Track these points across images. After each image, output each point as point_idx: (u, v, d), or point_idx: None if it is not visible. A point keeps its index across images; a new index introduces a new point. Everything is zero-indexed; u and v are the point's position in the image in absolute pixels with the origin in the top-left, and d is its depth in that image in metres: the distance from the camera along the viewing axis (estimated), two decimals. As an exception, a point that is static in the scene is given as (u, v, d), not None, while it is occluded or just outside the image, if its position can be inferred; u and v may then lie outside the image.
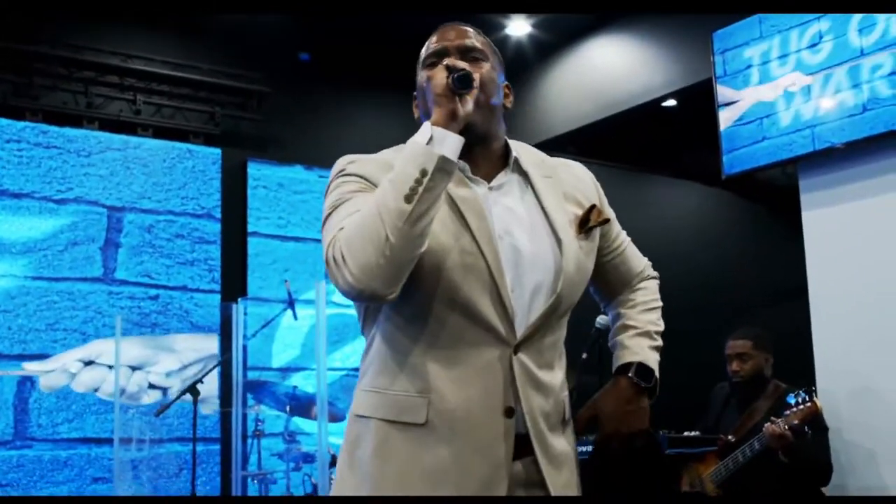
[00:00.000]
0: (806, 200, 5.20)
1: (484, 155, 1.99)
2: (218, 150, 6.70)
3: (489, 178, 1.97)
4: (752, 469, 4.43)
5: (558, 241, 1.93)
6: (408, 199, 1.71)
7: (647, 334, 2.13)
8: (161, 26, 6.71)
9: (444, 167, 1.74)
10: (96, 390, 6.08)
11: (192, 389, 5.44)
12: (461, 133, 1.80)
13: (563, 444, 1.96)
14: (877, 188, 4.86)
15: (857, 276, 4.93)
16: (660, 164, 8.60)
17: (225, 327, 6.18)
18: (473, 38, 2.02)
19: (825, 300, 5.09)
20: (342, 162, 1.95)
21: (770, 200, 8.75)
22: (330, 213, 1.86)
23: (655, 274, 2.30)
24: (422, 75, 1.99)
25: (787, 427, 4.24)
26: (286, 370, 6.69)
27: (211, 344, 6.44)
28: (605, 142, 7.90)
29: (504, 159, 2.03)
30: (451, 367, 1.84)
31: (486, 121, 1.98)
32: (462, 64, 1.85)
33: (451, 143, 1.77)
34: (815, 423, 4.39)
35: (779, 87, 5.16)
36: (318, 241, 6.81)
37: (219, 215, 6.63)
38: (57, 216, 6.16)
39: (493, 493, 1.82)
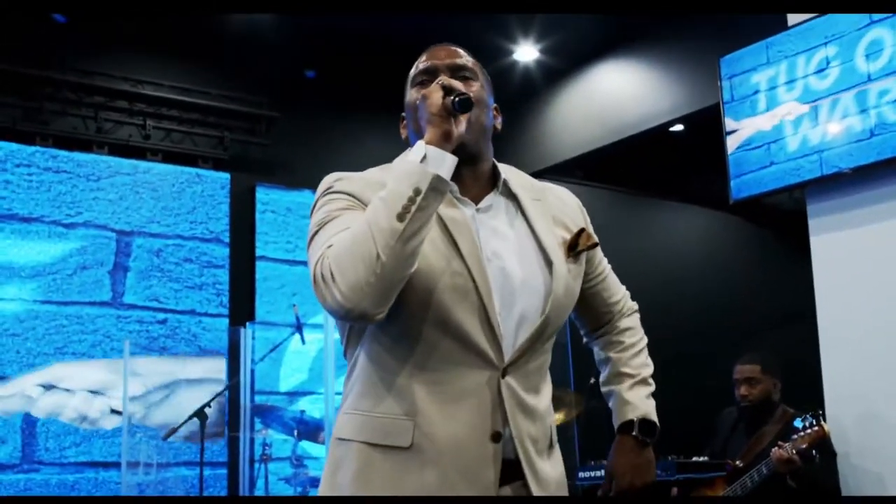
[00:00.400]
0: (814, 225, 5.19)
1: (473, 176, 1.96)
2: (227, 175, 6.73)
3: (477, 200, 1.95)
4: (760, 494, 4.42)
5: (549, 263, 1.91)
6: (400, 217, 1.67)
7: (644, 382, 2.15)
8: (170, 52, 6.77)
9: (437, 187, 1.71)
10: (58, 415, 6.06)
11: (200, 414, 5.44)
12: (452, 153, 1.78)
13: (550, 468, 1.94)
14: (885, 213, 4.86)
15: (866, 301, 4.92)
16: (667, 189, 8.61)
17: (233, 351, 6.19)
18: (464, 57, 2.02)
19: (833, 325, 5.08)
20: (329, 180, 1.92)
21: (778, 225, 8.75)
22: (317, 231, 1.83)
23: (635, 306, 2.27)
24: (412, 94, 1.99)
25: (794, 451, 4.24)
26: (294, 394, 6.69)
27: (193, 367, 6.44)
28: (612, 167, 7.92)
29: (492, 181, 2.00)
30: (439, 389, 1.81)
31: (477, 141, 1.96)
32: (458, 84, 1.84)
33: (445, 163, 1.74)
34: (823, 447, 4.37)
35: (776, 116, 5.19)
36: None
37: (227, 239, 6.65)
38: (66, 240, 6.18)
39: None
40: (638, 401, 2.11)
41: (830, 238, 5.09)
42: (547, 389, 1.98)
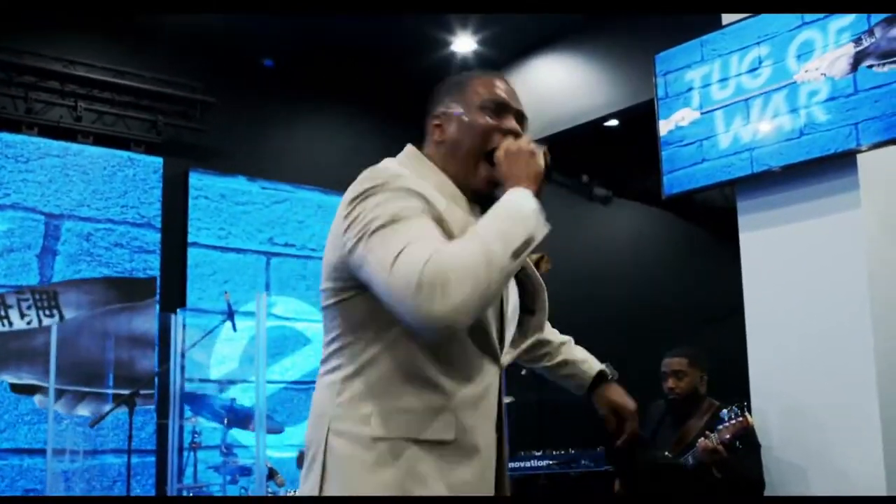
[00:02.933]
0: (743, 222, 5.28)
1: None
2: (159, 160, 6.65)
3: None
4: (687, 485, 4.48)
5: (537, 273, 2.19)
6: (515, 255, 1.78)
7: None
8: (104, 32, 6.66)
9: (539, 240, 1.86)
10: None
11: (129, 400, 5.37)
12: (495, 189, 2.00)
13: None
14: (812, 211, 4.95)
15: (792, 297, 5.02)
16: (601, 183, 8.67)
17: (163, 338, 6.12)
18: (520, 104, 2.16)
19: (760, 320, 5.17)
20: (383, 174, 1.91)
21: (709, 222, 8.88)
22: (395, 222, 1.80)
23: None
24: (485, 119, 2.07)
25: (719, 442, 4.32)
26: (225, 382, 6.63)
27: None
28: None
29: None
30: (467, 385, 1.92)
31: None
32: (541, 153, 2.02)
33: (546, 228, 1.88)
34: (747, 438, 4.46)
35: (671, 122, 5.31)
36: (259, 252, 6.81)
37: (159, 225, 6.57)
38: (-7, 222, 6.07)
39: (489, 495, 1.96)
40: (590, 357, 2.42)
41: (759, 235, 5.18)
42: None
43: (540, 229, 1.84)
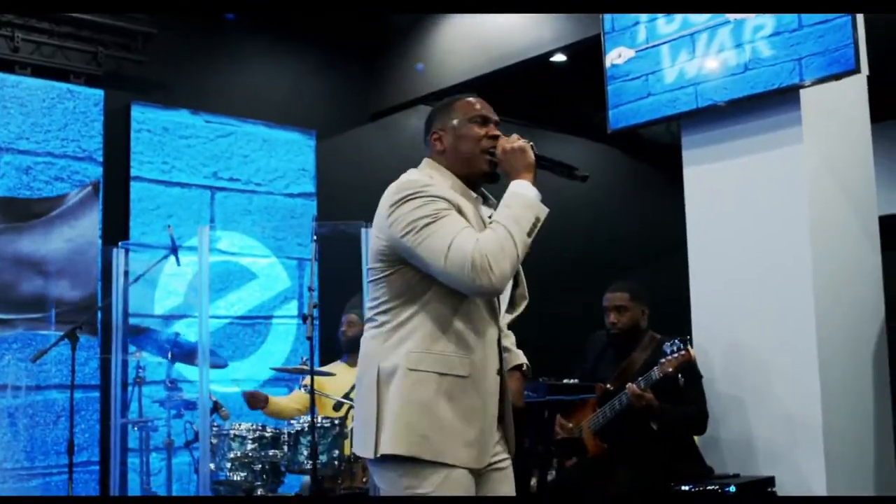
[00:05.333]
0: (687, 157, 5.31)
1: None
2: (100, 92, 6.50)
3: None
4: (629, 417, 4.55)
5: None
6: (529, 234, 2.60)
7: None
8: (41, -39, 6.47)
9: (544, 220, 2.65)
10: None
11: (71, 335, 5.32)
12: (491, 181, 2.85)
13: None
14: (755, 146, 4.99)
15: (735, 232, 5.07)
16: (549, 119, 8.68)
17: (106, 272, 6.05)
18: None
19: (703, 255, 5.23)
20: (417, 184, 2.65)
21: (655, 159, 8.93)
22: (437, 220, 2.56)
23: None
24: (475, 129, 2.81)
25: (661, 375, 4.39)
26: (169, 317, 6.58)
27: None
28: (494, 95, 7.88)
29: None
30: (479, 337, 2.67)
31: None
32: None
33: (546, 209, 2.67)
34: (689, 371, 4.53)
35: (609, 60, 5.34)
36: (204, 186, 6.73)
37: (101, 158, 6.45)
38: (-72, 155, 5.93)
39: (494, 428, 2.70)
40: (521, 355, 3.10)
41: (703, 170, 5.22)
42: None
43: (543, 211, 2.64)
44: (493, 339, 2.72)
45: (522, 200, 2.62)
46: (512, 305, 2.89)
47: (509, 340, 3.04)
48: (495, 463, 2.75)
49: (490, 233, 2.55)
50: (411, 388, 2.59)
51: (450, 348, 2.62)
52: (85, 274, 6.24)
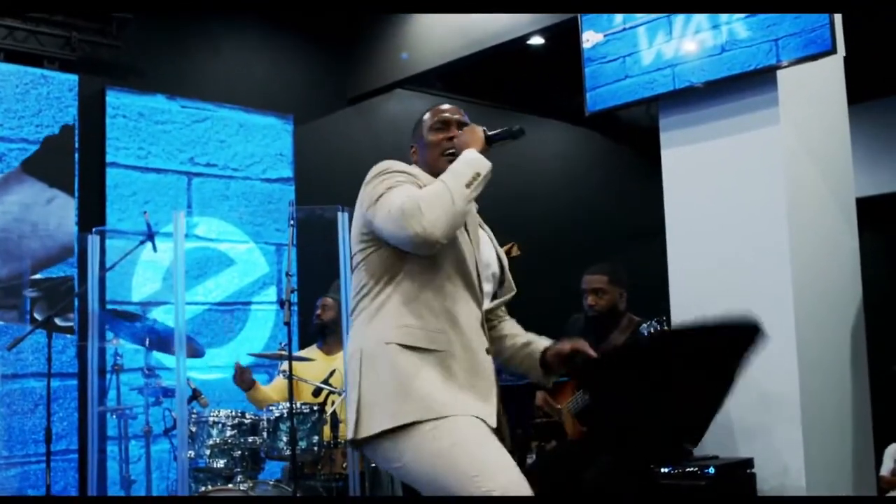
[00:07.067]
0: (665, 139, 5.31)
1: None
2: (75, 77, 6.44)
3: None
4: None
5: (497, 250, 2.93)
6: (468, 185, 2.61)
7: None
8: (13, -55, 6.40)
9: (487, 175, 2.68)
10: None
11: (47, 323, 5.29)
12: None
13: None
14: (733, 128, 5.00)
15: (712, 213, 5.08)
16: (526, 102, 8.66)
17: (82, 259, 6.00)
18: (464, 116, 2.99)
19: (681, 237, 5.23)
20: (383, 165, 2.75)
21: (634, 141, 8.92)
22: (388, 190, 2.63)
23: None
24: (436, 136, 2.91)
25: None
26: (146, 304, 6.54)
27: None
28: (471, 78, 7.90)
29: None
30: (457, 313, 2.67)
31: None
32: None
33: (488, 163, 2.70)
34: (668, 354, 4.52)
35: (585, 42, 5.33)
36: (180, 172, 6.69)
37: (76, 144, 6.40)
38: None
39: (490, 402, 2.63)
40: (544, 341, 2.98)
41: (680, 151, 5.22)
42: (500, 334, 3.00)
43: (483, 166, 2.68)
44: (472, 318, 2.71)
45: (461, 159, 2.70)
46: (497, 295, 2.93)
47: (516, 328, 3.04)
48: None
49: (425, 189, 2.63)
50: (391, 363, 2.59)
51: (421, 324, 2.62)
52: (10, 253, 6.13)
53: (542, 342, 2.94)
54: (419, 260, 2.64)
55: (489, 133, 2.83)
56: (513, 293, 2.95)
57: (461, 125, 2.94)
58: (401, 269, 2.67)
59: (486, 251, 2.87)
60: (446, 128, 2.93)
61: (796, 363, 4.67)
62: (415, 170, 2.83)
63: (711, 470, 4.42)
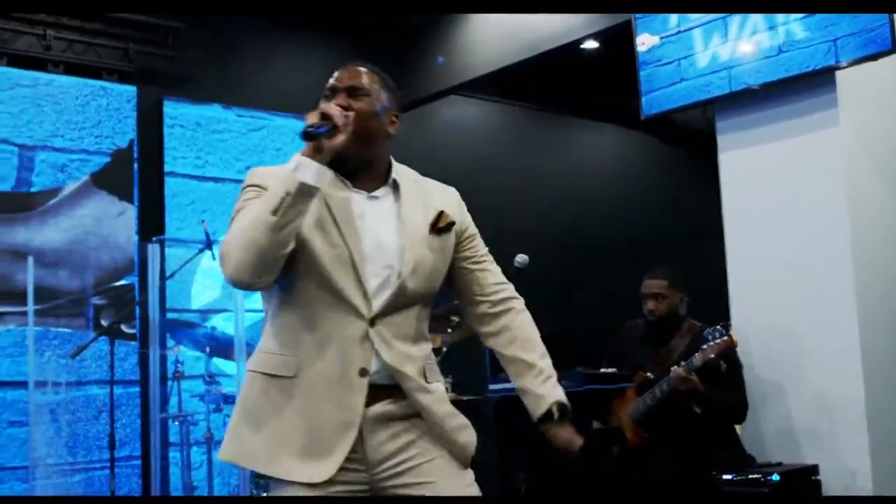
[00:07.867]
0: (722, 142, 5.26)
1: (368, 174, 2.45)
2: (133, 88, 6.54)
3: (371, 190, 2.44)
4: (669, 405, 4.52)
5: (407, 237, 2.39)
6: (274, 212, 2.17)
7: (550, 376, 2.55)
8: (72, -41, 6.49)
9: (303, 190, 2.18)
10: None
11: (110, 331, 5.37)
12: (341, 159, 2.32)
13: (428, 398, 2.39)
14: (791, 129, 4.94)
15: (771, 216, 5.02)
16: (580, 106, 8.64)
17: (143, 268, 6.09)
18: (363, 78, 2.47)
19: (740, 240, 5.18)
20: (248, 175, 2.42)
21: (689, 143, 8.86)
22: (232, 218, 2.33)
23: (521, 302, 2.64)
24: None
25: (702, 362, 4.35)
26: (206, 312, 6.62)
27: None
28: (525, 84, 7.89)
29: (386, 177, 2.48)
30: (318, 334, 2.32)
31: (363, 148, 2.40)
32: (335, 111, 2.30)
33: (311, 171, 2.20)
34: (730, 358, 4.49)
35: (639, 45, 5.31)
36: (237, 181, 6.74)
37: (135, 155, 6.49)
38: (-34, 155, 5.98)
39: (346, 433, 2.28)
40: (549, 392, 2.51)
41: (738, 154, 5.17)
42: (424, 343, 2.46)
43: (293, 182, 2.18)
44: (349, 337, 2.31)
45: (278, 176, 2.24)
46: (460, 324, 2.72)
47: (520, 350, 2.58)
48: (384, 479, 2.35)
49: (240, 219, 2.29)
50: (245, 391, 2.40)
51: (276, 347, 2.36)
52: (81, 264, 6.23)
53: (541, 402, 2.49)
54: (283, 283, 2.31)
55: (305, 127, 2.26)
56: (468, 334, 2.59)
57: (354, 93, 2.43)
58: (277, 294, 2.38)
59: (385, 235, 2.40)
60: (331, 96, 2.44)
61: (860, 367, 4.60)
62: (280, 173, 2.28)
63: (776, 477, 4.36)
